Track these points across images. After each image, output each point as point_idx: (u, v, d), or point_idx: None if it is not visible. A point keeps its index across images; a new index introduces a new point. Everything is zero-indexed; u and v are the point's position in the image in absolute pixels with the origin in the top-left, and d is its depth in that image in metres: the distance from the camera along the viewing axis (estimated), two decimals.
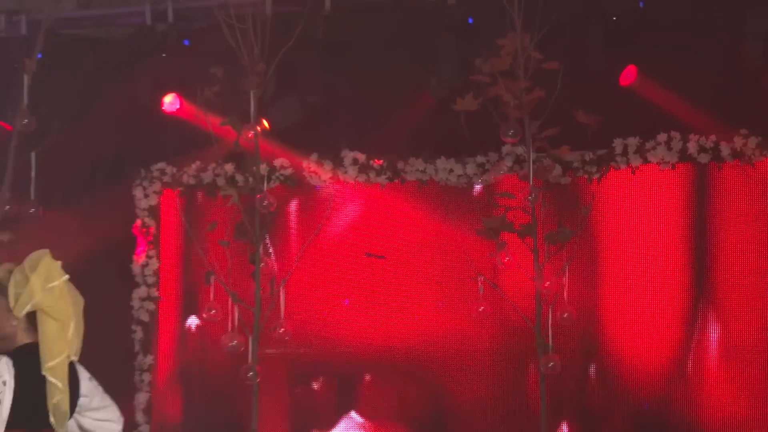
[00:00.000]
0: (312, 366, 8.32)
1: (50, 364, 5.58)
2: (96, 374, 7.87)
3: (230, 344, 7.67)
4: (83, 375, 5.86)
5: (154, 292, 8.42)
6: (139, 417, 8.37)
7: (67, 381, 5.69)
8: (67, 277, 5.72)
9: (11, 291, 5.46)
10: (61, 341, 5.65)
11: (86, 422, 5.86)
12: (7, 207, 7.93)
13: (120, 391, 7.88)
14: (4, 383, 5.47)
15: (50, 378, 5.58)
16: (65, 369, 5.64)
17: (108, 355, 7.97)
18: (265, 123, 7.75)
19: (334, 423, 8.29)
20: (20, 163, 8.01)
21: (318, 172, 8.08)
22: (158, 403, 8.47)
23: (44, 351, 5.58)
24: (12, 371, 5.47)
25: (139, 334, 8.43)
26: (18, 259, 5.65)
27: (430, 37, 7.75)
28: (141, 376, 8.41)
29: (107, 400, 5.91)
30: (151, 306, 8.41)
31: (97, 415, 5.85)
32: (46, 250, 5.71)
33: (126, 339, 8.41)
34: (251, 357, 7.49)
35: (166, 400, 8.49)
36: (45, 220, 8.16)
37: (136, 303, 8.41)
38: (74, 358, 5.71)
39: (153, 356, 8.44)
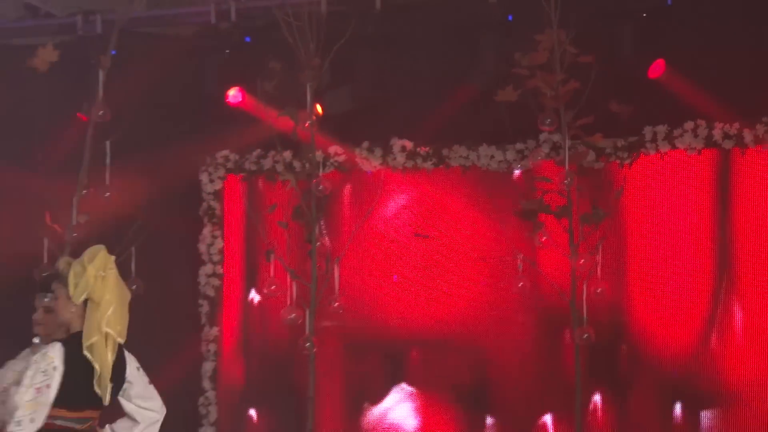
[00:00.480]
0: (364, 338, 8.29)
1: (88, 343, 5.67)
2: (167, 345, 8.08)
3: (289, 317, 7.83)
4: (131, 363, 5.93)
5: (219, 269, 8.42)
6: (206, 384, 8.38)
7: (107, 363, 5.76)
8: (115, 270, 5.79)
9: (71, 281, 5.63)
10: (97, 323, 5.70)
11: (129, 407, 5.92)
12: (84, 191, 7.93)
13: (188, 360, 8.13)
14: (55, 368, 5.61)
15: (88, 355, 5.66)
16: (102, 350, 5.72)
17: (178, 328, 8.31)
18: (319, 109, 7.74)
19: (385, 391, 8.27)
20: (96, 151, 8.04)
21: (369, 158, 8.05)
22: (223, 370, 8.44)
23: (86, 332, 5.68)
24: (63, 357, 5.61)
25: (205, 307, 8.42)
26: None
27: (473, 33, 7.77)
28: (207, 346, 8.41)
29: (151, 391, 5.97)
30: (216, 282, 8.41)
31: (141, 402, 5.91)
32: (102, 246, 5.77)
33: (194, 312, 8.40)
34: (308, 329, 7.62)
35: (231, 368, 8.47)
36: (117, 205, 8.13)
37: (202, 279, 8.42)
38: (120, 341, 5.77)
39: (218, 328, 8.43)
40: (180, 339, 8.28)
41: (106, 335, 5.69)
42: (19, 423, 5.60)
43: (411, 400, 8.24)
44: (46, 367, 5.65)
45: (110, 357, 5.74)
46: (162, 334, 8.25)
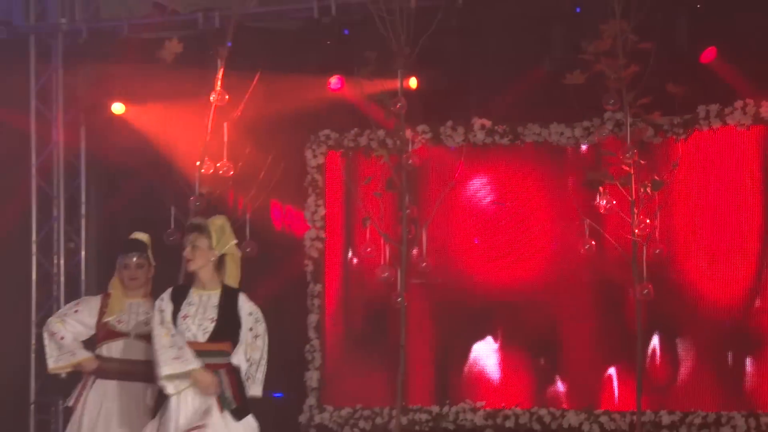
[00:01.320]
0: (450, 294, 8.32)
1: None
2: (277, 300, 8.16)
3: (383, 275, 7.95)
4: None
5: (322, 234, 8.48)
6: (311, 333, 8.48)
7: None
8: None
9: (213, 234, 5.89)
10: (237, 277, 6.05)
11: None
12: (205, 165, 8.02)
13: (296, 314, 8.33)
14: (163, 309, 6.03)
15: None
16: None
17: (287, 285, 8.42)
18: (413, 83, 7.82)
19: (468, 342, 8.32)
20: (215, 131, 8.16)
21: (452, 136, 8.13)
22: (326, 322, 8.52)
23: (232, 281, 6.02)
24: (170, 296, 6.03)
25: (310, 267, 8.50)
26: None
27: (544, 24, 7.87)
28: (312, 300, 8.48)
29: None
30: (320, 245, 8.48)
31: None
32: (223, 216, 6.11)
33: (300, 271, 8.48)
34: (400, 286, 7.71)
35: (332, 320, 8.55)
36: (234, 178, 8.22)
37: (307, 242, 8.49)
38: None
39: (321, 285, 8.49)
40: (288, 295, 8.38)
41: None
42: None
43: (492, 352, 8.27)
44: (159, 304, 6.02)
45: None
46: (272, 290, 8.27)
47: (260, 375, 6.18)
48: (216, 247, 5.96)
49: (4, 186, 9.12)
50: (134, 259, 6.71)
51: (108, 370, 6.63)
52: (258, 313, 6.06)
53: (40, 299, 9.23)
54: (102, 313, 6.73)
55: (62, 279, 9.28)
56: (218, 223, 6.02)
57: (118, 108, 8.92)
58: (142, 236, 6.84)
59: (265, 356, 6.21)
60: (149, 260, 6.76)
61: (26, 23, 9.33)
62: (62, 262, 9.29)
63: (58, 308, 9.08)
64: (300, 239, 8.56)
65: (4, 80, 9.05)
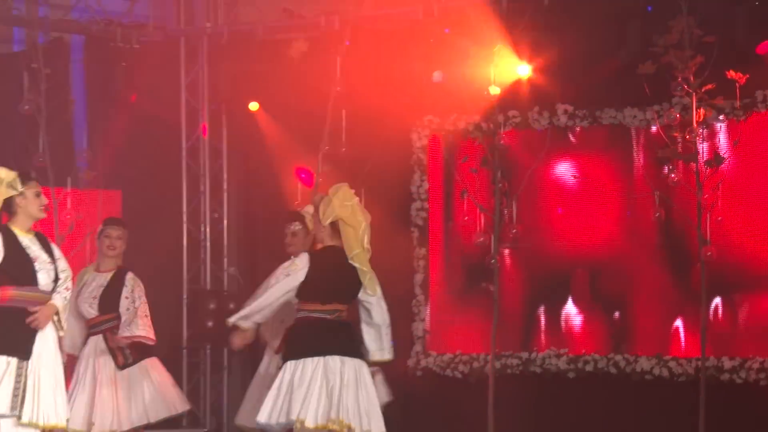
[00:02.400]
0: (536, 256, 8.28)
1: (352, 254, 5.93)
2: (388, 262, 7.99)
3: (478, 240, 8.13)
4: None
5: (425, 205, 8.49)
6: (417, 290, 8.44)
7: (367, 264, 6.01)
8: (357, 199, 6.01)
9: (321, 209, 5.95)
10: (355, 239, 5.94)
11: (369, 299, 6.06)
12: (326, 147, 8.30)
13: (403, 273, 8.41)
14: (298, 269, 5.88)
15: (355, 263, 5.93)
16: (363, 257, 5.97)
17: (395, 249, 8.26)
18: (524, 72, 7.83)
19: (554, 299, 8.28)
20: (334, 117, 8.35)
21: (538, 119, 8.10)
22: (430, 280, 8.51)
23: (347, 247, 5.92)
24: (308, 261, 5.88)
25: (416, 233, 8.49)
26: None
27: (620, 20, 7.75)
28: (418, 262, 8.47)
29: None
30: (424, 214, 8.49)
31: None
32: (345, 183, 6.03)
33: (407, 237, 8.50)
34: (493, 249, 7.84)
35: (435, 279, 8.55)
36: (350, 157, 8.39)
37: (413, 212, 8.48)
38: (367, 247, 5.97)
39: (425, 249, 8.48)
40: (397, 257, 8.32)
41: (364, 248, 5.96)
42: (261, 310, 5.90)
43: (573, 305, 8.23)
44: (289, 269, 5.92)
45: (366, 262, 6.00)
46: (383, 253, 8.42)
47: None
48: (322, 220, 5.97)
49: (159, 166, 9.26)
50: (291, 227, 6.88)
51: None
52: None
53: (189, 261, 9.41)
54: None
55: (208, 244, 9.44)
56: (316, 200, 6.05)
57: (253, 105, 9.04)
58: (308, 208, 6.94)
59: None
60: (306, 228, 6.84)
61: (177, 27, 9.51)
62: (208, 230, 9.44)
63: (205, 269, 9.51)
64: (407, 209, 8.52)
65: (159, 77, 9.21)
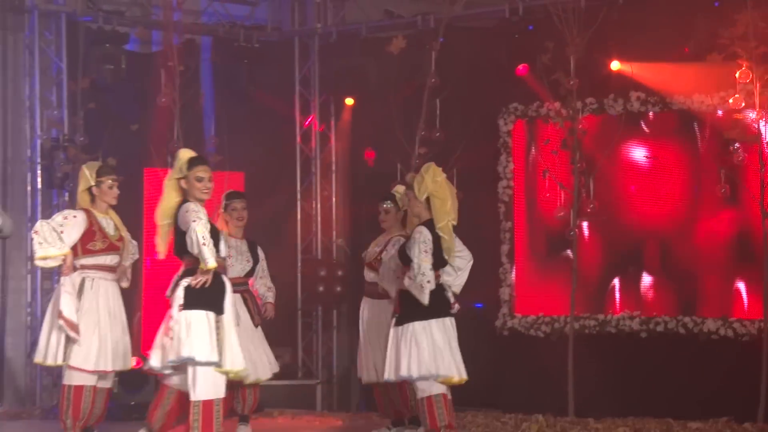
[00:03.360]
0: (612, 229, 8.22)
1: (440, 225, 5.91)
2: (477, 232, 7.97)
3: (559, 215, 8.14)
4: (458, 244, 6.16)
5: (510, 183, 8.48)
6: (504, 259, 8.48)
7: (452, 236, 5.97)
8: (444, 176, 6.01)
9: (415, 186, 5.99)
10: (443, 212, 5.93)
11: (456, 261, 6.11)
12: (422, 132, 8.26)
13: (491, 244, 8.41)
14: (426, 242, 5.88)
15: (440, 233, 5.91)
16: (449, 228, 5.94)
17: (484, 222, 8.40)
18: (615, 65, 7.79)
19: (627, 266, 8.21)
20: (430, 106, 8.40)
21: (614, 105, 8.00)
22: (515, 250, 8.50)
23: (436, 219, 5.92)
24: (430, 236, 5.89)
25: (502, 208, 8.45)
26: None
27: (689, 15, 7.65)
28: (504, 234, 8.50)
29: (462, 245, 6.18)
30: (509, 191, 8.48)
31: (458, 253, 6.13)
32: (432, 162, 6.06)
33: (494, 212, 8.49)
34: (572, 222, 7.84)
35: (520, 248, 8.52)
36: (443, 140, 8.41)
37: (500, 190, 8.47)
38: (454, 223, 5.95)
39: (511, 222, 8.49)
40: (486, 230, 8.38)
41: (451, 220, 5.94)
42: (429, 280, 5.79)
43: (645, 272, 8.16)
44: (425, 239, 5.86)
45: (452, 233, 5.97)
46: (473, 226, 7.99)
47: None
48: (419, 195, 5.97)
49: (276, 150, 9.36)
50: (384, 206, 6.95)
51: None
52: None
53: (302, 234, 9.54)
54: None
55: (319, 219, 9.55)
56: (410, 179, 6.14)
57: (348, 101, 9.19)
58: (398, 188, 7.05)
59: None
60: (397, 206, 6.87)
61: (292, 28, 9.64)
62: (319, 206, 9.55)
63: (316, 241, 9.58)
64: (494, 187, 8.48)
65: (276, 72, 9.36)
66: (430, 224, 5.94)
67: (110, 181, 6.23)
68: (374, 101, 8.88)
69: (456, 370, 5.91)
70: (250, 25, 9.40)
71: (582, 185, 7.87)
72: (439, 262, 5.95)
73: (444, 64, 8.32)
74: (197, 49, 9.38)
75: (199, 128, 9.25)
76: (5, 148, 8.98)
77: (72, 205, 8.47)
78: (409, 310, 5.92)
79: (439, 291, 5.93)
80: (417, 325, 5.86)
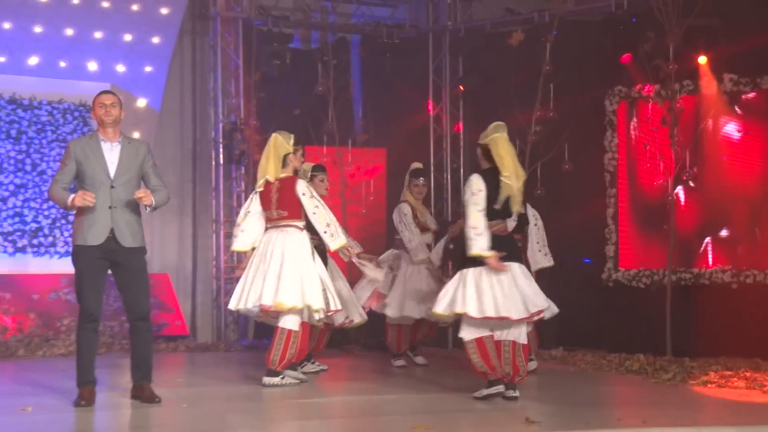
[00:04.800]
0: (705, 195, 8.06)
1: (505, 174, 5.46)
2: (587, 199, 8.21)
3: (658, 182, 8.10)
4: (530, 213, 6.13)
5: (615, 155, 8.36)
6: (609, 221, 8.36)
7: (513, 188, 5.41)
8: (498, 135, 5.53)
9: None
10: (509, 166, 5.47)
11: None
12: (538, 112, 8.18)
13: (598, 208, 8.33)
14: (480, 191, 5.41)
15: (504, 180, 5.43)
16: (513, 181, 5.45)
17: (592, 190, 8.37)
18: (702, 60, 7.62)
19: (719, 227, 8.06)
20: (545, 88, 8.27)
21: (708, 86, 7.84)
22: (619, 213, 8.30)
23: (501, 168, 5.47)
24: (482, 183, 5.45)
25: (608, 177, 8.39)
26: None
27: None
28: (609, 199, 8.33)
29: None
30: (614, 162, 8.37)
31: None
32: (501, 123, 5.62)
33: (601, 180, 8.41)
34: (670, 189, 7.80)
35: (623, 212, 8.36)
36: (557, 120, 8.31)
37: (606, 161, 8.37)
38: (507, 182, 5.41)
39: (615, 189, 8.37)
40: (592, 195, 8.38)
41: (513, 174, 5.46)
42: (480, 234, 5.34)
43: (735, 230, 8.00)
44: (474, 188, 5.46)
45: (517, 188, 5.45)
46: (582, 194, 8.38)
47: None
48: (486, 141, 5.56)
49: (413, 129, 9.44)
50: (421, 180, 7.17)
51: None
52: None
53: (435, 200, 9.50)
54: None
55: (449, 187, 9.72)
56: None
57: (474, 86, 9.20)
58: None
59: None
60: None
61: (426, 26, 9.81)
62: (449, 176, 9.70)
63: (447, 206, 9.61)
64: (600, 159, 8.40)
65: (412, 63, 9.50)
66: (486, 172, 5.52)
67: (301, 151, 6.39)
68: (496, 86, 8.89)
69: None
70: (391, 24, 9.61)
71: (679, 156, 7.75)
72: (490, 213, 5.46)
73: (557, 53, 8.29)
74: (348, 46, 9.65)
75: (349, 112, 9.46)
76: (194, 131, 9.55)
77: (248, 177, 9.11)
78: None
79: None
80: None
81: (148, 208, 5.25)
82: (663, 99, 7.77)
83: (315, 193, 6.25)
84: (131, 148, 5.29)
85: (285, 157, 6.28)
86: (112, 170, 5.20)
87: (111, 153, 5.23)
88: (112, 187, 5.19)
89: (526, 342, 5.61)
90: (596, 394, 6.04)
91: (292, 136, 6.38)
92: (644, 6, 7.92)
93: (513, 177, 5.49)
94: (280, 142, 6.28)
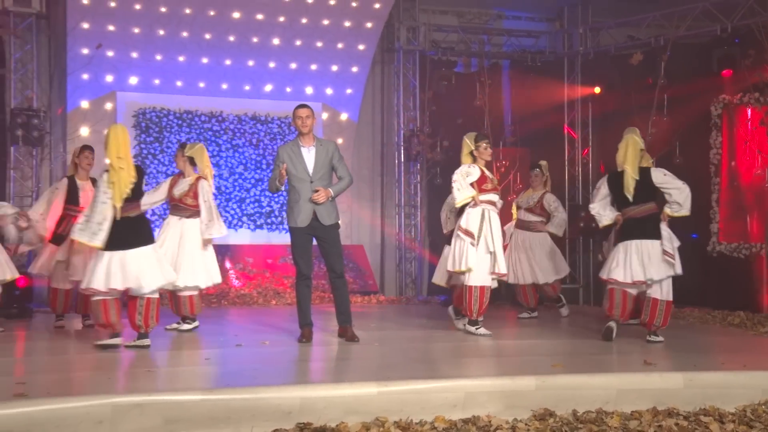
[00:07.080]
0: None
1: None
2: (694, 186, 6.84)
3: (757, 172, 7.79)
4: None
5: (719, 150, 8.01)
6: (713, 204, 8.07)
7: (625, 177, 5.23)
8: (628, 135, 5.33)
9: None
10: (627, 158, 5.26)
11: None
12: (654, 117, 8.17)
13: (704, 193, 7.92)
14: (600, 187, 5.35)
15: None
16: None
17: (698, 179, 7.41)
18: None
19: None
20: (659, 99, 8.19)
21: None
22: (720, 197, 8.07)
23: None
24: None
25: (712, 168, 8.10)
26: None
27: None
28: (713, 186, 8.09)
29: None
30: (718, 156, 8.05)
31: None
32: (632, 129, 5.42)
33: (707, 171, 8.04)
34: (767, 177, 7.57)
35: (724, 195, 8.07)
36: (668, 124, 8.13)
37: (711, 155, 8.05)
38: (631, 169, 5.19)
39: (719, 178, 8.06)
40: (699, 183, 7.40)
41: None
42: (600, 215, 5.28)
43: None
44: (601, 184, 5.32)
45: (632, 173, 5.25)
46: (690, 181, 7.23)
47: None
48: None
49: (550, 133, 9.30)
50: (534, 171, 6.83)
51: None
52: None
53: (569, 189, 9.51)
54: None
55: (580, 178, 9.53)
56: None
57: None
58: (542, 162, 6.83)
59: None
60: (542, 172, 6.75)
61: (562, 51, 9.77)
62: (580, 169, 9.53)
63: (578, 194, 9.41)
64: (707, 154, 8.13)
65: (549, 83, 9.43)
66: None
67: (485, 144, 5.84)
68: (618, 98, 8.83)
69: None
70: (534, 51, 9.68)
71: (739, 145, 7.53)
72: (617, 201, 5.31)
73: (670, 69, 8.21)
74: (500, 69, 9.82)
75: (500, 119, 9.64)
76: (382, 137, 9.87)
77: (422, 172, 9.49)
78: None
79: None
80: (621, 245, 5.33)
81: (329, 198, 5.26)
82: (761, 104, 7.61)
83: None
84: (323, 149, 5.31)
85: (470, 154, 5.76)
86: (310, 169, 5.29)
87: (308, 155, 5.30)
88: (311, 182, 5.30)
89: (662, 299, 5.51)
90: (703, 343, 5.80)
91: (475, 134, 5.91)
92: (746, 29, 7.79)
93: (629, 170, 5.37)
94: (464, 143, 5.82)
